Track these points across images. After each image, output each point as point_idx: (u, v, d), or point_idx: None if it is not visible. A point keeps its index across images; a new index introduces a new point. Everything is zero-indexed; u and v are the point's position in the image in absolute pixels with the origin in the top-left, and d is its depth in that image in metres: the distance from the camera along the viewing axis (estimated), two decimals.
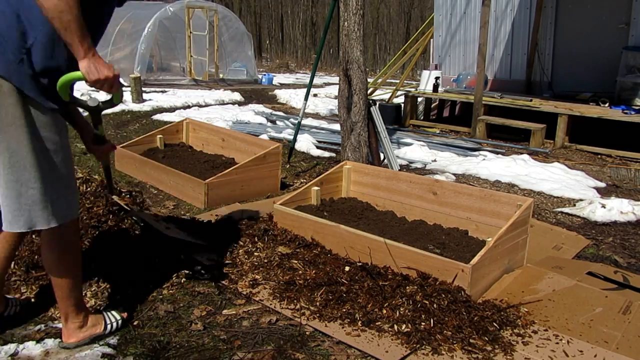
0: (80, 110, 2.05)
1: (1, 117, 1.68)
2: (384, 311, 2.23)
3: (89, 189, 3.25)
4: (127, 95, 9.04)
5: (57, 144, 1.80)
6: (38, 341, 2.00)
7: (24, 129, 1.71)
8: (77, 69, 1.69)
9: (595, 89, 8.05)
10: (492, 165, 5.37)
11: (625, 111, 6.83)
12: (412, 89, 9.48)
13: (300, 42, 31.81)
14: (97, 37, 1.84)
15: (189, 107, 9.11)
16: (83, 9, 1.61)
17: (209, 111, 8.57)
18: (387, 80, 11.67)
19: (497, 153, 6.30)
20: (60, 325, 2.05)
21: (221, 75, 13.90)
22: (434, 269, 2.44)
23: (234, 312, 2.31)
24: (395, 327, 2.15)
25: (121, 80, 1.81)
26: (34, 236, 2.61)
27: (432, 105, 9.23)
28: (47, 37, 1.68)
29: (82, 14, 1.60)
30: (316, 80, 13.75)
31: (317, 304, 2.32)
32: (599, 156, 6.51)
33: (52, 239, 1.86)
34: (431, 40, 10.11)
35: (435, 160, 5.80)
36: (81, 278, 1.99)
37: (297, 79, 17.56)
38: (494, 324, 2.18)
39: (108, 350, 1.98)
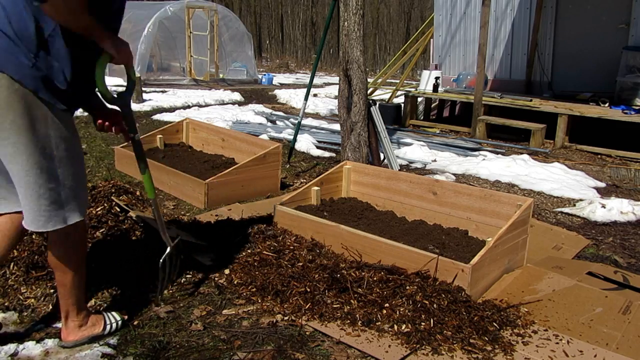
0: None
1: (16, 120, 1.68)
2: (384, 311, 2.23)
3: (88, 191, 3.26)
4: None
5: (69, 143, 1.82)
6: (38, 341, 2.00)
7: (39, 131, 1.72)
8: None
9: (595, 89, 8.05)
10: (492, 165, 5.37)
11: (625, 111, 6.83)
12: (412, 89, 9.48)
13: (300, 42, 31.81)
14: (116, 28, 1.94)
15: (189, 107, 9.12)
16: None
17: (209, 111, 8.57)
18: (387, 80, 11.67)
19: (497, 153, 6.30)
20: (60, 325, 2.05)
21: (221, 75, 13.91)
22: (434, 269, 2.44)
23: (234, 312, 2.31)
24: (395, 327, 2.15)
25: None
26: (33, 236, 2.61)
27: (432, 105, 9.23)
28: (58, 41, 1.69)
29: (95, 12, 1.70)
30: (316, 80, 13.76)
31: (317, 303, 2.31)
32: (599, 156, 6.50)
33: (61, 237, 1.87)
34: (431, 40, 10.11)
35: (435, 160, 5.80)
36: (85, 278, 1.99)
37: (297, 79, 17.57)
38: (494, 324, 2.18)
39: (108, 350, 1.98)
